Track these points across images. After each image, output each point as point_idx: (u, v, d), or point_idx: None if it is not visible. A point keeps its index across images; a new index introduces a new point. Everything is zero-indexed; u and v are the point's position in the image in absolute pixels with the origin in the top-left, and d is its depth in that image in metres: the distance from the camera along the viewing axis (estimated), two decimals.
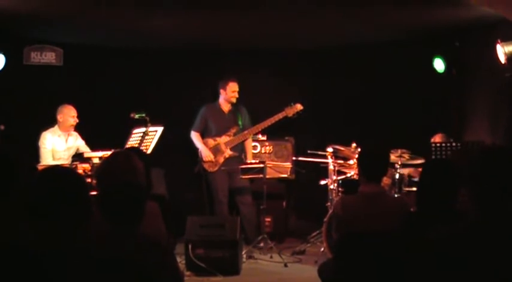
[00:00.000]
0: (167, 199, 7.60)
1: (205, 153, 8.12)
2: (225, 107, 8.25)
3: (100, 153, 6.54)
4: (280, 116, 8.16)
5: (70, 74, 8.60)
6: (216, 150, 8.15)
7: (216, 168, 8.14)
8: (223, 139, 8.17)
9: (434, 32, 8.30)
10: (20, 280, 2.58)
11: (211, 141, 8.19)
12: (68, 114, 7.51)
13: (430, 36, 8.48)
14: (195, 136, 8.25)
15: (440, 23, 7.83)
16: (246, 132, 8.19)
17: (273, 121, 8.17)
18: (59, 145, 7.49)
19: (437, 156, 6.60)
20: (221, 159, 8.14)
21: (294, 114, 8.19)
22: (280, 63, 9.51)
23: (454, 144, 6.82)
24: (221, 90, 8.22)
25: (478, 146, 6.58)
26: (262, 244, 7.78)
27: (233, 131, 8.20)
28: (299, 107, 8.20)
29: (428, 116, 8.47)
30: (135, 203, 3.08)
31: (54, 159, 7.41)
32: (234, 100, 8.19)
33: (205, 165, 8.15)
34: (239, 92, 8.16)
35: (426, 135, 7.55)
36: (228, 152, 8.14)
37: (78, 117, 7.55)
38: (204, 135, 8.25)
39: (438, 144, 6.77)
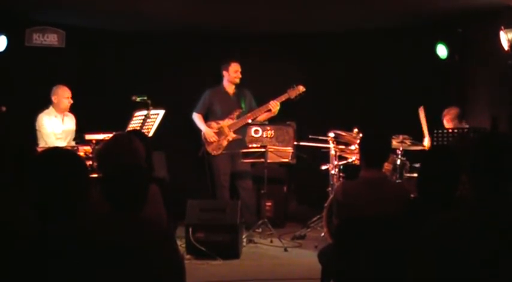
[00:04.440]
0: (168, 182, 7.60)
1: (209, 133, 8.11)
2: (230, 89, 8.24)
3: (101, 136, 6.52)
4: (282, 98, 8.12)
5: (72, 56, 8.57)
6: (219, 134, 8.15)
7: (219, 152, 8.14)
8: (226, 122, 8.16)
9: (438, 18, 8.26)
10: (19, 264, 2.58)
11: (214, 125, 8.18)
12: (63, 96, 7.46)
13: (433, 22, 8.44)
14: (197, 117, 8.25)
15: (444, 9, 7.79)
16: (248, 115, 8.17)
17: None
18: (56, 127, 7.46)
19: (439, 142, 6.60)
20: (224, 143, 8.14)
21: (296, 96, 8.13)
22: (282, 47, 9.48)
23: (455, 130, 6.82)
24: (224, 72, 8.20)
25: (479, 133, 6.57)
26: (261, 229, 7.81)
27: (236, 113, 8.19)
28: (301, 88, 8.14)
29: (430, 102, 8.45)
30: (137, 186, 3.07)
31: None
32: (237, 80, 8.17)
33: (209, 149, 8.15)
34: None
35: (428, 122, 7.54)
36: (231, 135, 8.14)
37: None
38: (208, 119, 8.25)
39: (440, 131, 6.75)
